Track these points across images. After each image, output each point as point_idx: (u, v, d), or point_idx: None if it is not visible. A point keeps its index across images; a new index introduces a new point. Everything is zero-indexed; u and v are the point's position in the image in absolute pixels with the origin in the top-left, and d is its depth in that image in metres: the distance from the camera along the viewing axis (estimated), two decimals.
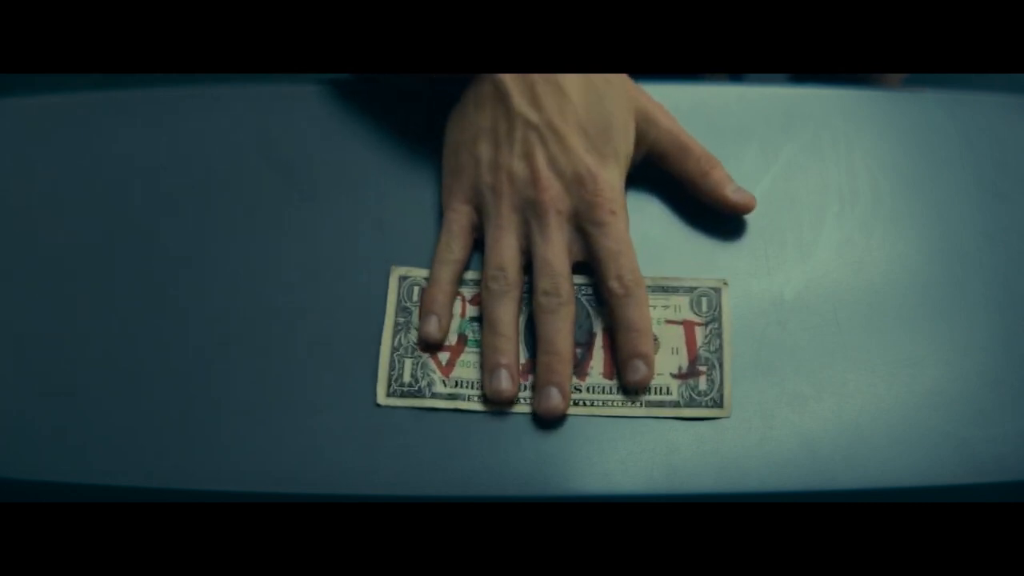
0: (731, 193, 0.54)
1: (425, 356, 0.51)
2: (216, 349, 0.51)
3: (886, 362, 0.51)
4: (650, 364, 0.50)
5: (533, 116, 0.52)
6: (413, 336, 0.51)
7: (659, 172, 0.55)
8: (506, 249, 0.51)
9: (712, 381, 0.50)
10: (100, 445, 0.49)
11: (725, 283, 0.52)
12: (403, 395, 0.50)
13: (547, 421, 0.49)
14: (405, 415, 0.50)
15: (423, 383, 0.50)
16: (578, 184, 0.51)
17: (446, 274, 0.52)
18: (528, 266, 0.52)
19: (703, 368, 0.50)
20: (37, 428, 0.49)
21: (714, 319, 0.51)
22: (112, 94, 0.57)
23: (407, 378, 0.50)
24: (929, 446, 0.49)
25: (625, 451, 0.49)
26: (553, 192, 0.51)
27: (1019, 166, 0.56)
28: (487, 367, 0.50)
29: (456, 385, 0.50)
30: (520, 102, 0.52)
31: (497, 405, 0.50)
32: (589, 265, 0.52)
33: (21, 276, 0.53)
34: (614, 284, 0.50)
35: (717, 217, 0.54)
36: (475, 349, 0.51)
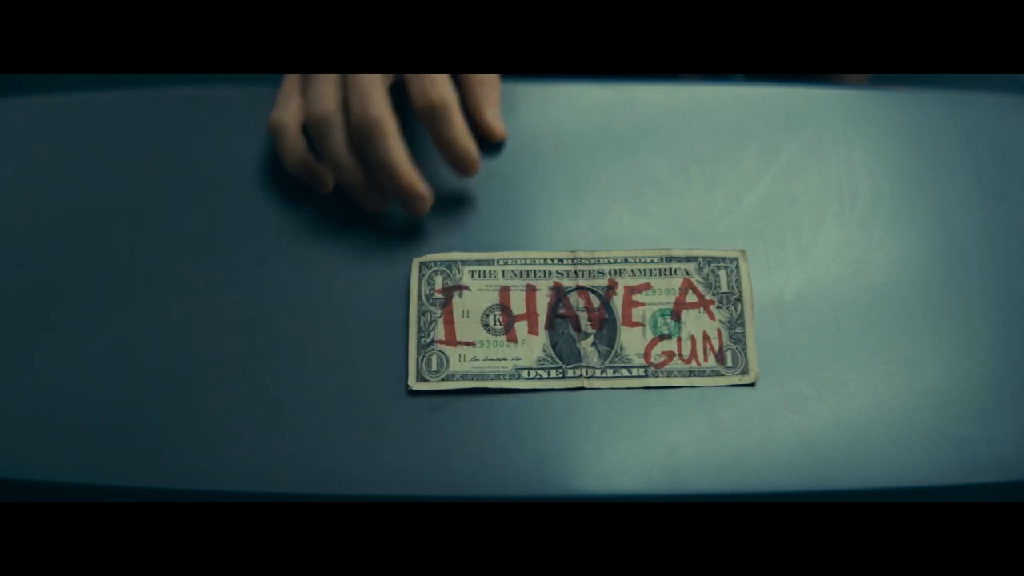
0: (489, 117, 0.54)
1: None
2: (215, 350, 0.51)
3: (886, 362, 0.51)
4: (476, 163, 0.52)
5: None
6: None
7: (660, 173, 0.55)
8: (320, 84, 0.51)
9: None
10: (100, 445, 0.49)
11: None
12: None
13: (542, 418, 0.49)
14: (404, 416, 0.50)
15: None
16: None
17: (287, 142, 0.52)
18: None
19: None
20: (37, 428, 0.49)
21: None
22: (112, 94, 0.57)
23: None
24: (929, 446, 0.49)
25: (625, 451, 0.49)
26: None
27: (1019, 166, 0.56)
28: (353, 197, 0.52)
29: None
30: None
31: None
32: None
33: (21, 276, 0.53)
34: (419, 101, 0.50)
35: (718, 218, 0.54)
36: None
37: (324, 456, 0.49)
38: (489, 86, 0.54)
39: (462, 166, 0.52)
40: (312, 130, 0.52)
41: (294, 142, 0.53)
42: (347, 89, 0.51)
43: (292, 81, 0.53)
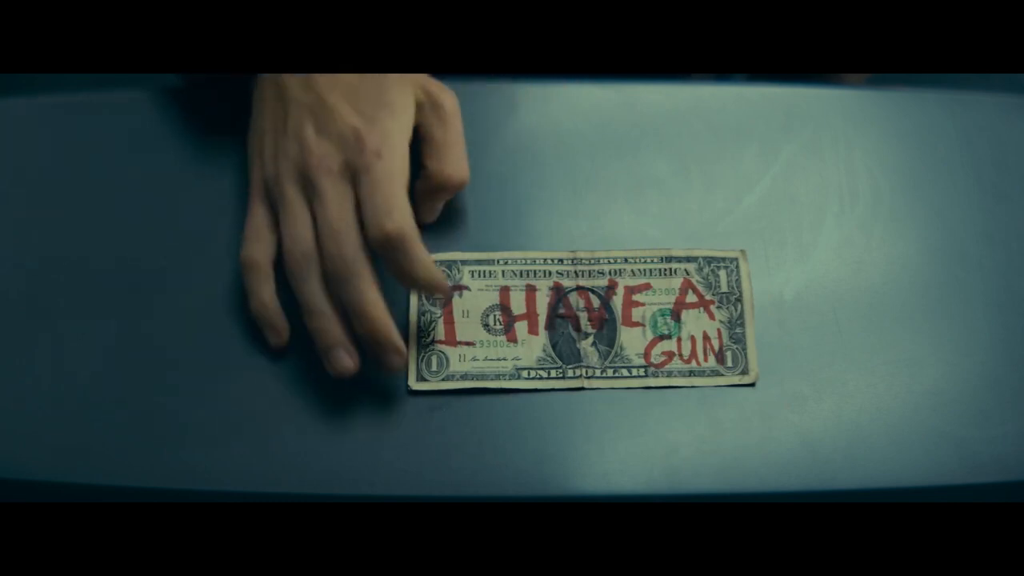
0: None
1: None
2: (215, 350, 0.51)
3: (886, 362, 0.51)
4: (445, 289, 0.49)
5: (304, 97, 0.51)
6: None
7: (660, 173, 0.55)
8: (293, 225, 0.50)
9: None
10: (100, 445, 0.49)
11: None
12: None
13: (542, 418, 0.50)
14: (404, 416, 0.50)
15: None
16: (344, 141, 0.49)
17: (256, 281, 0.51)
18: None
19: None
20: (37, 428, 0.49)
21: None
22: (112, 94, 0.57)
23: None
24: (929, 446, 0.49)
25: (625, 451, 0.49)
26: (320, 153, 0.49)
27: (1019, 166, 0.56)
28: (320, 351, 0.50)
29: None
30: (295, 90, 0.51)
31: (341, 378, 0.50)
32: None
33: (21, 276, 0.53)
34: (374, 233, 0.48)
35: (718, 218, 0.54)
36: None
37: (324, 456, 0.49)
38: (444, 191, 0.52)
39: (428, 292, 0.50)
40: (288, 272, 0.50)
41: (265, 281, 0.51)
42: (320, 230, 0.49)
43: (259, 214, 0.51)
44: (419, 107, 0.52)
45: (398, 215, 0.48)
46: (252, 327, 0.51)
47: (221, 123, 0.56)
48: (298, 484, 0.48)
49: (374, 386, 0.50)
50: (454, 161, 0.52)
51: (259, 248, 0.51)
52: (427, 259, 0.49)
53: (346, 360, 0.49)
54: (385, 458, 0.49)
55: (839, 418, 0.50)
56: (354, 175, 0.49)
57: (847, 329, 0.52)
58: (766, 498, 0.48)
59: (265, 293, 0.51)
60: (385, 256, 0.49)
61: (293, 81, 0.51)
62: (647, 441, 0.49)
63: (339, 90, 0.50)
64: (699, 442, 0.49)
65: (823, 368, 0.51)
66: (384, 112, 0.50)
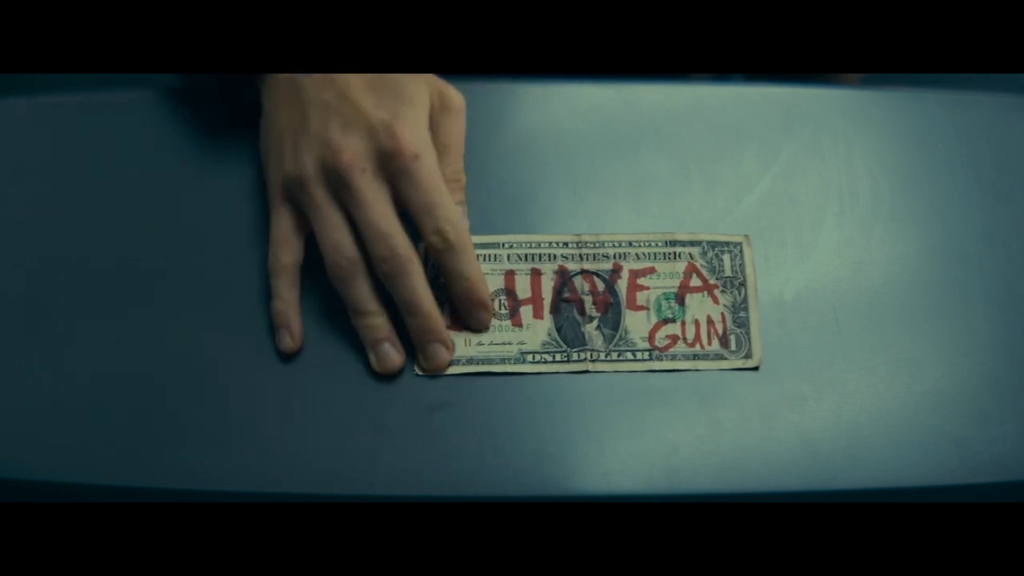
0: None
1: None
2: (215, 349, 0.51)
3: (886, 362, 0.51)
4: (488, 308, 0.51)
5: (324, 95, 0.50)
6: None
7: (660, 172, 0.55)
8: (332, 232, 0.50)
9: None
10: (100, 445, 0.49)
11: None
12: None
13: (542, 418, 0.50)
14: (404, 416, 0.50)
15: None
16: (373, 136, 0.49)
17: (283, 284, 0.51)
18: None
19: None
20: (37, 428, 0.49)
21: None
22: (112, 94, 0.57)
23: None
24: (929, 446, 0.49)
25: (625, 451, 0.49)
26: (350, 152, 0.49)
27: (1019, 166, 0.56)
28: (368, 346, 0.50)
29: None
30: (312, 90, 0.51)
31: (388, 374, 0.50)
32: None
33: (21, 276, 0.53)
34: (434, 239, 0.49)
35: (718, 218, 0.54)
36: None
37: (324, 456, 0.49)
38: (454, 192, 0.52)
39: (478, 300, 0.50)
40: (335, 279, 0.50)
41: (292, 284, 0.51)
42: (364, 232, 0.49)
43: (284, 218, 0.51)
44: (430, 105, 0.52)
45: (457, 221, 0.49)
46: (252, 327, 0.51)
47: (221, 123, 0.56)
48: (298, 484, 0.48)
49: (374, 386, 0.50)
50: (453, 162, 0.52)
51: (287, 253, 0.51)
52: (478, 266, 0.50)
53: (394, 355, 0.50)
54: (385, 458, 0.49)
55: (839, 418, 0.50)
56: (390, 174, 0.49)
57: (847, 329, 0.52)
58: (766, 498, 0.48)
59: (289, 296, 0.51)
60: (442, 258, 0.50)
61: (308, 81, 0.51)
62: (647, 441, 0.49)
63: (358, 85, 0.50)
64: (699, 442, 0.49)
65: (823, 368, 0.51)
66: (407, 106, 0.50)
